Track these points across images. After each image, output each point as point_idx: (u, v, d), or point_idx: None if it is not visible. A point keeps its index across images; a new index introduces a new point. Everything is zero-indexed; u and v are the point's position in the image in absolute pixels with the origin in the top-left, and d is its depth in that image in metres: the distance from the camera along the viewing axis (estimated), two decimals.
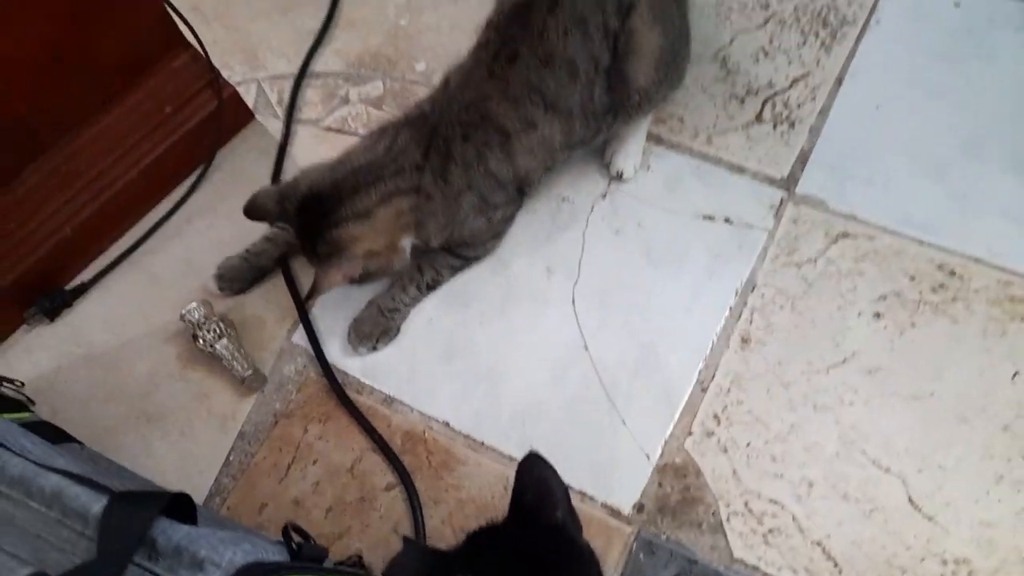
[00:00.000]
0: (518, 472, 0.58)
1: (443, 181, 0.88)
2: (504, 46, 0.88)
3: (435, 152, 0.87)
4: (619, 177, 1.04)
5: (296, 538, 0.58)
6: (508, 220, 0.99)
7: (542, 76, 0.88)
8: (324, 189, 0.84)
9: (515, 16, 0.89)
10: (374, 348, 0.95)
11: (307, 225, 0.85)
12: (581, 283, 0.98)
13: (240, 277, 1.00)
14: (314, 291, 0.86)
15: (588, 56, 0.89)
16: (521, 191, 0.97)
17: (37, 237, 0.97)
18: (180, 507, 0.56)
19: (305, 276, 1.01)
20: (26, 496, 0.56)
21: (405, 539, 0.56)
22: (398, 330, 0.96)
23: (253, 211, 0.88)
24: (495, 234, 0.98)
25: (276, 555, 0.55)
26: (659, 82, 0.94)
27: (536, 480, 0.57)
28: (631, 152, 1.04)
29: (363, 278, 0.88)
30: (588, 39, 0.88)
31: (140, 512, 0.52)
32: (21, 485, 0.56)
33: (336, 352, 0.96)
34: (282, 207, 0.86)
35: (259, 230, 1.01)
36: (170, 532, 0.53)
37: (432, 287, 0.98)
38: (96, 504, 0.54)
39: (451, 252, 0.96)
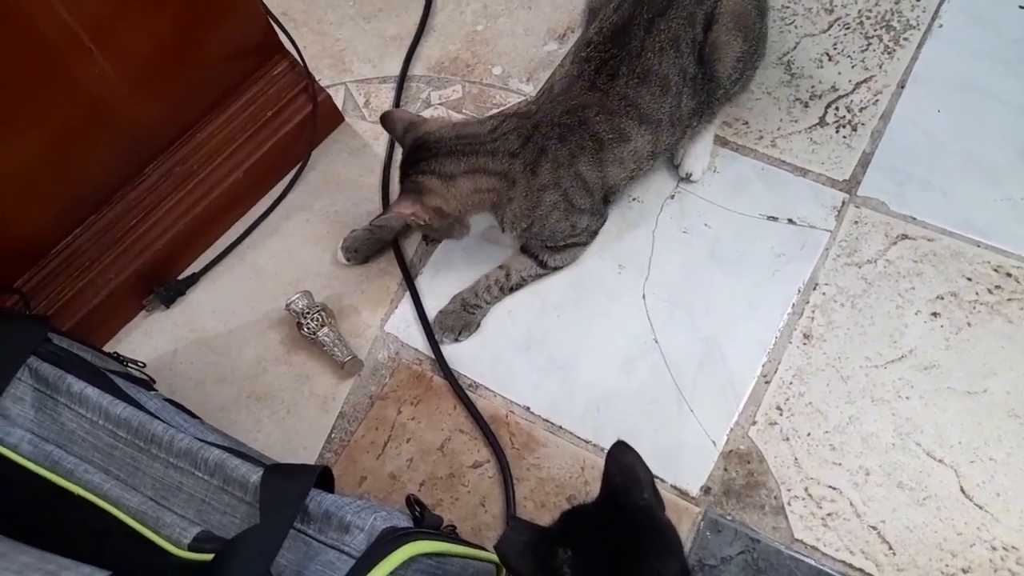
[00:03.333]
0: (607, 458, 0.64)
1: (531, 173, 0.96)
2: (605, 63, 0.97)
3: (532, 145, 0.96)
4: (688, 178, 1.10)
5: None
6: (592, 233, 1.05)
7: (639, 92, 0.96)
8: (431, 140, 0.96)
9: (615, 35, 0.97)
10: (456, 340, 1.04)
11: (408, 161, 0.97)
12: (651, 279, 1.05)
13: (364, 248, 1.10)
14: (385, 213, 1.00)
15: (679, 70, 0.98)
16: (607, 201, 1.04)
17: (155, 232, 1.07)
18: (323, 479, 0.65)
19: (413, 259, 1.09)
20: (192, 467, 0.65)
21: (513, 517, 0.64)
22: (479, 325, 1.05)
23: (386, 122, 1.01)
24: (577, 243, 1.04)
25: (404, 522, 0.63)
26: (736, 80, 1.03)
27: (624, 466, 0.64)
28: (700, 154, 1.10)
29: (426, 229, 0.99)
30: (680, 55, 0.97)
31: (295, 482, 0.61)
32: (188, 457, 0.66)
33: (423, 342, 1.04)
34: (403, 136, 0.99)
35: (349, 225, 1.10)
36: (319, 499, 0.62)
37: (514, 289, 1.05)
38: (254, 474, 0.64)
39: (535, 258, 1.04)
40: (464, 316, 1.04)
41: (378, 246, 1.11)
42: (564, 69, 1.02)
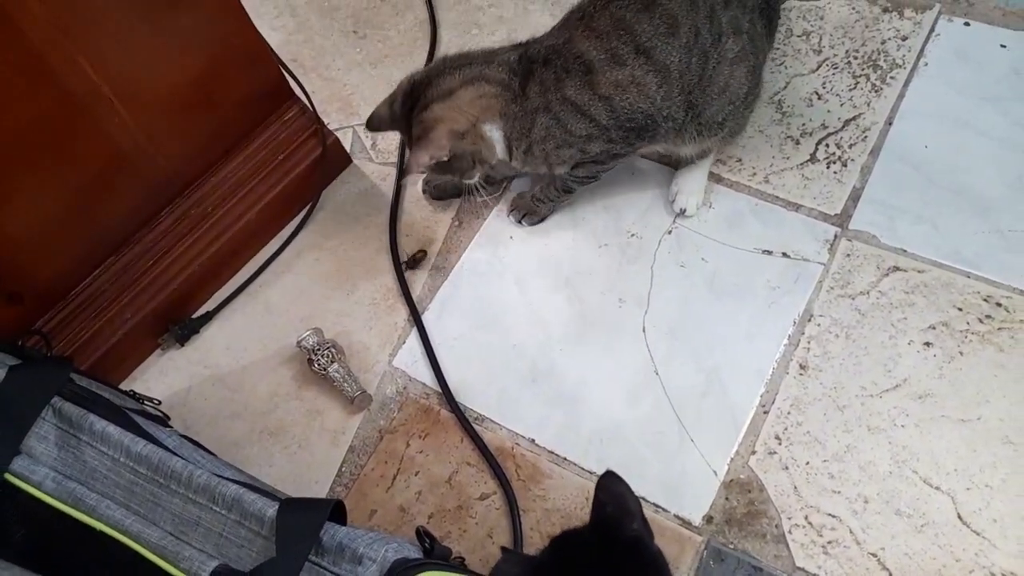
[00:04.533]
0: (597, 488, 0.66)
1: (523, 94, 0.96)
2: None
3: (522, 66, 0.96)
4: (682, 214, 1.14)
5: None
6: (612, 156, 1.02)
7: (638, 17, 0.92)
8: (418, 78, 0.96)
9: None
10: (519, 221, 1.15)
11: (407, 115, 0.95)
12: (651, 313, 1.08)
13: (445, 188, 1.16)
14: (406, 170, 0.98)
15: (691, 24, 0.93)
16: (633, 131, 0.98)
17: (171, 272, 1.11)
18: (336, 512, 0.67)
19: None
20: (210, 502, 0.68)
21: (504, 549, 0.66)
22: (543, 218, 1.15)
23: (372, 122, 1.01)
24: (598, 162, 1.03)
25: (415, 553, 0.66)
26: (722, 120, 1.01)
27: (614, 495, 0.65)
28: (693, 191, 1.14)
29: (455, 167, 0.96)
30: (694, 8, 0.93)
31: (310, 515, 0.64)
32: (206, 492, 0.68)
33: (430, 376, 1.07)
34: (391, 109, 0.97)
35: (357, 263, 1.13)
36: (333, 532, 0.64)
37: (568, 192, 1.11)
38: (270, 509, 0.66)
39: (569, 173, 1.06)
40: (530, 204, 1.13)
41: (454, 191, 1.17)
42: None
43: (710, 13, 0.95)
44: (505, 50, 0.99)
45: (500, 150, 0.98)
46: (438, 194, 1.20)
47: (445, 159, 0.95)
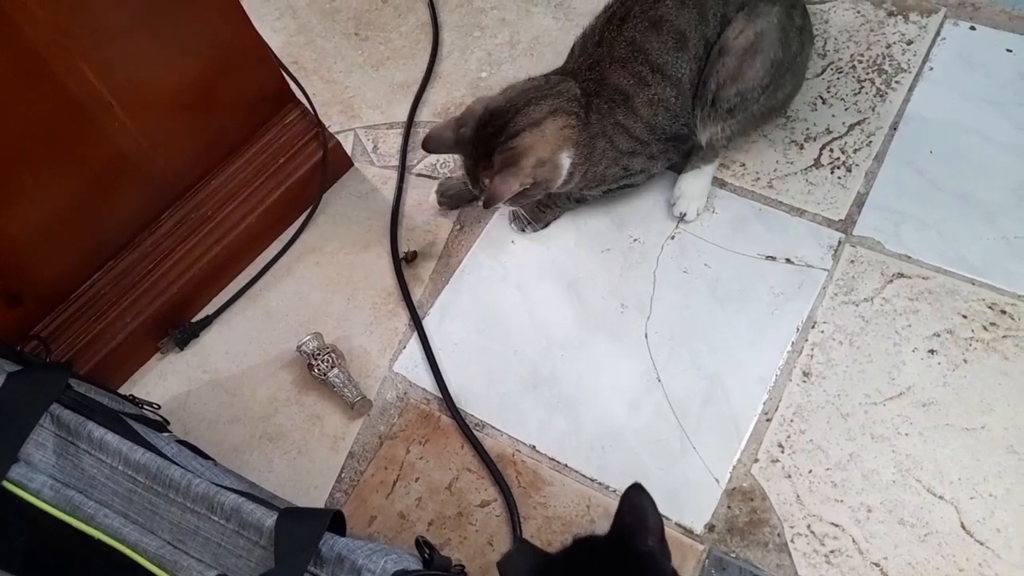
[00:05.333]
0: (622, 498, 0.65)
1: (587, 124, 1.00)
2: (616, 15, 1.02)
3: (584, 100, 1.00)
4: (682, 218, 1.13)
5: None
6: (650, 174, 1.11)
7: (647, 38, 0.99)
8: (500, 106, 0.98)
9: None
10: (522, 230, 1.15)
11: (487, 139, 0.97)
12: (653, 319, 1.07)
13: (457, 196, 1.17)
14: (491, 200, 0.97)
15: (700, 35, 1.00)
16: (671, 142, 1.07)
17: (171, 276, 1.10)
18: (335, 522, 0.67)
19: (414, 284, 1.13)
20: (209, 511, 0.68)
21: (520, 539, 0.65)
22: (547, 224, 1.15)
23: (429, 143, 1.01)
24: (635, 184, 1.12)
25: (414, 564, 0.65)
26: (730, 108, 1.03)
27: (635, 507, 0.65)
28: (695, 195, 1.13)
29: (526, 193, 1.00)
30: (703, 21, 0.99)
31: (309, 526, 0.63)
32: (204, 501, 0.68)
33: (431, 382, 1.07)
34: (458, 133, 0.99)
35: (358, 268, 1.13)
36: (332, 543, 0.64)
37: (580, 201, 1.15)
38: (269, 519, 0.66)
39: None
40: (536, 212, 1.12)
41: (469, 197, 1.17)
42: (584, 27, 1.08)
43: (721, 21, 1.00)
44: (558, 78, 1.03)
45: (564, 176, 1.02)
46: (455, 203, 1.19)
47: (528, 186, 0.98)
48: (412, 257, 1.16)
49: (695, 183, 1.13)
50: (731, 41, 1.00)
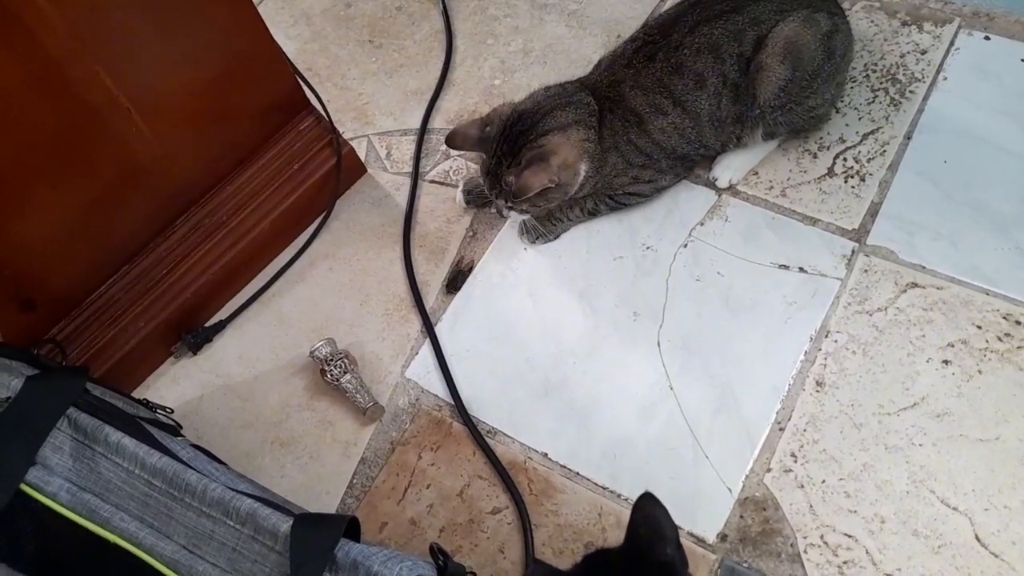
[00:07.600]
0: (634, 509, 0.65)
1: (600, 138, 1.06)
2: (646, 45, 1.08)
3: (599, 116, 1.06)
4: (714, 182, 1.16)
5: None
6: (657, 189, 1.15)
7: (671, 79, 1.06)
8: (528, 108, 1.04)
9: (661, 25, 1.09)
10: (532, 242, 1.16)
11: (515, 137, 1.01)
12: (665, 327, 1.07)
13: (482, 194, 1.15)
14: (519, 193, 1.00)
15: (718, 73, 1.06)
16: (680, 160, 1.13)
17: (184, 281, 1.11)
18: (350, 528, 0.67)
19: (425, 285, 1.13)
20: (224, 516, 0.68)
21: (535, 560, 0.65)
22: (556, 237, 1.16)
23: (455, 139, 1.05)
24: (641, 192, 1.14)
25: (429, 571, 0.65)
26: (778, 107, 1.07)
27: (649, 517, 0.64)
28: (734, 165, 1.16)
29: (548, 195, 1.02)
30: (719, 60, 1.06)
31: (324, 531, 0.64)
32: (220, 506, 0.68)
33: (443, 388, 1.07)
34: (483, 132, 1.03)
35: (371, 273, 1.13)
36: (347, 549, 0.64)
37: (592, 215, 1.16)
38: (284, 524, 0.66)
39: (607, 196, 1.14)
40: (546, 225, 1.14)
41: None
42: (614, 46, 1.14)
43: (738, 60, 1.06)
44: (575, 88, 1.08)
45: (579, 185, 1.06)
46: (481, 201, 1.20)
47: (552, 186, 1.01)
48: (458, 285, 1.14)
49: (738, 156, 1.15)
50: (764, 59, 1.06)
